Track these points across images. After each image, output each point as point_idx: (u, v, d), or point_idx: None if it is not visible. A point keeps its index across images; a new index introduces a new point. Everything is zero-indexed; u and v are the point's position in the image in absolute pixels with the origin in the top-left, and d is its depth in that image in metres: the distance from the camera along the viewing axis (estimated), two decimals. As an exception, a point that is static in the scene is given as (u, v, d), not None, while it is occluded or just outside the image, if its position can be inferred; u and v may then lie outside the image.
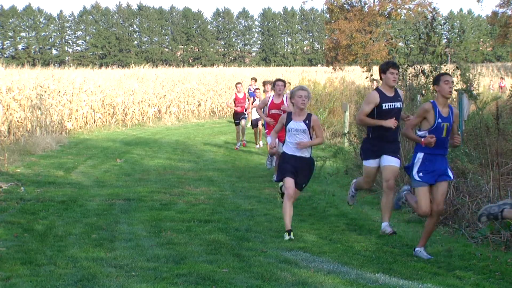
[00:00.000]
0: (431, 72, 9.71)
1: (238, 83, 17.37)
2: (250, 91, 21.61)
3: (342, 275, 5.28)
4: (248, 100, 21.37)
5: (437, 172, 5.93)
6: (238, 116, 16.42)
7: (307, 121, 6.84)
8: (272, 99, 10.54)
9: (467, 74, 9.25)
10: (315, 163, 10.72)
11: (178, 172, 11.92)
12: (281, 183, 7.26)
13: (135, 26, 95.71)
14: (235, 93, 16.90)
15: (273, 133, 7.53)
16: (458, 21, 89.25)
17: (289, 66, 74.72)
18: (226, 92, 30.32)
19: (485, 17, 70.26)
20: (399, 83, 10.15)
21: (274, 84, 10.67)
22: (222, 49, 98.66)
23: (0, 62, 24.76)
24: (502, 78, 35.02)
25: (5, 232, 6.71)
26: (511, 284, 5.25)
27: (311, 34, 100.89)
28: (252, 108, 16.29)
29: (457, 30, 11.48)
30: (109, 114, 23.37)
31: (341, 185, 10.34)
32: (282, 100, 10.36)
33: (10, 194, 9.05)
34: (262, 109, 10.94)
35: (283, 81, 10.77)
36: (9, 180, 10.23)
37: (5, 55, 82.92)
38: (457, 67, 9.73)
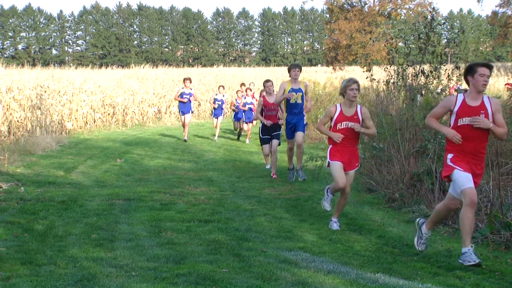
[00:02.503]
0: (431, 72, 9.72)
1: (268, 80, 11.58)
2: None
3: (342, 275, 5.28)
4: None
5: None
6: (268, 131, 11.38)
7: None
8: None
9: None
10: (315, 162, 10.82)
11: (178, 172, 11.92)
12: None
13: (135, 26, 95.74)
14: (263, 96, 11.55)
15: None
16: (458, 21, 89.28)
17: (289, 66, 74.59)
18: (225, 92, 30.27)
19: (485, 17, 70.35)
20: (399, 83, 10.17)
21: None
22: (222, 49, 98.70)
23: (0, 62, 24.78)
24: (457, 81, 34.72)
25: (5, 232, 6.71)
26: (511, 284, 5.25)
27: (311, 34, 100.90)
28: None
29: (456, 30, 11.47)
30: (109, 114, 23.39)
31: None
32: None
33: (10, 194, 9.04)
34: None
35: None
36: (9, 180, 10.23)
37: (5, 55, 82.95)
38: (456, 67, 9.74)
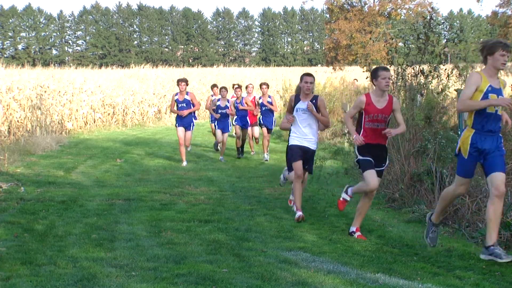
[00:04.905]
0: (430, 72, 9.71)
1: (386, 68, 6.92)
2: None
3: (342, 275, 5.28)
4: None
5: None
6: (372, 154, 6.78)
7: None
8: None
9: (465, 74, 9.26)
10: (315, 163, 10.79)
11: (178, 172, 11.92)
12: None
13: (135, 26, 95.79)
14: (367, 95, 6.90)
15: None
16: (458, 21, 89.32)
17: (289, 66, 74.78)
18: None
19: (485, 17, 70.30)
20: (398, 83, 10.16)
21: None
22: (222, 49, 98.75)
23: (0, 62, 24.79)
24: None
25: (5, 232, 6.71)
26: (511, 284, 5.25)
27: (311, 34, 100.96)
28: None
29: (455, 30, 11.43)
30: (109, 114, 23.41)
31: (341, 185, 10.32)
32: None
33: (10, 194, 9.04)
34: None
35: None
36: (9, 180, 10.23)
37: (5, 55, 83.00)
38: (456, 67, 9.74)
